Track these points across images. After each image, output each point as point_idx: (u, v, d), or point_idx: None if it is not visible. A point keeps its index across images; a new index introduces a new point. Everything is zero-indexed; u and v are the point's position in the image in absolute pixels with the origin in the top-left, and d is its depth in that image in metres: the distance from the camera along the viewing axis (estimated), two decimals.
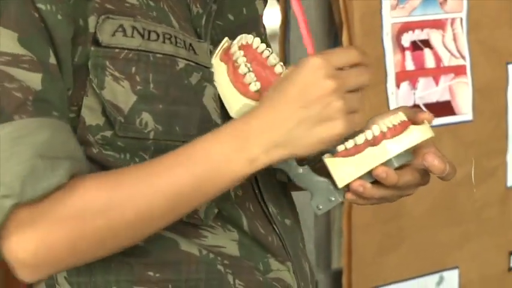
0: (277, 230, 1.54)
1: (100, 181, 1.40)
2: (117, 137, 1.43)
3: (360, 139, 1.39)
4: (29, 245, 1.36)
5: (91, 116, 1.43)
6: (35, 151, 1.35)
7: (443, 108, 2.41)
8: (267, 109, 1.39)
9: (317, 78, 1.34)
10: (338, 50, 1.44)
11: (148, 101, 1.45)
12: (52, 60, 1.40)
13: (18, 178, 1.33)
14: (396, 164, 1.39)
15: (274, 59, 1.47)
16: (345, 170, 1.42)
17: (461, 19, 2.42)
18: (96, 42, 1.41)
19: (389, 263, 2.37)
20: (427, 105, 2.38)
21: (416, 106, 2.37)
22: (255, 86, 1.42)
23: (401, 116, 1.41)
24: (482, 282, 2.52)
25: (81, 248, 1.40)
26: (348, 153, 1.40)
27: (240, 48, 1.47)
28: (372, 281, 2.38)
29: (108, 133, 1.43)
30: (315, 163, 1.50)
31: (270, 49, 1.48)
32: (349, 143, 1.40)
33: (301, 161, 1.46)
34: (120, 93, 1.43)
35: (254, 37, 1.49)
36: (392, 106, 2.35)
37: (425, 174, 1.45)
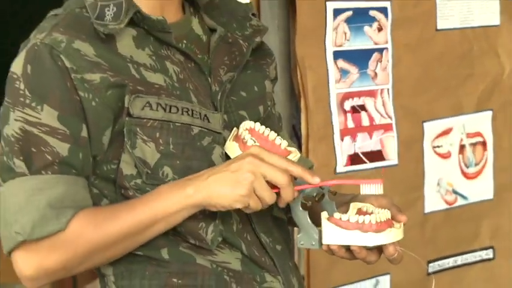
0: (269, 254, 1.70)
1: (88, 218, 1.58)
2: (145, 184, 1.61)
3: (352, 218, 1.56)
4: (30, 267, 1.58)
5: (126, 167, 1.60)
6: (48, 202, 1.53)
7: (375, 155, 2.66)
8: (208, 170, 1.59)
9: (245, 155, 1.56)
10: (275, 155, 1.56)
11: (168, 158, 1.61)
12: (83, 133, 1.57)
13: (30, 222, 1.53)
14: (371, 247, 1.58)
15: (273, 134, 1.66)
16: (332, 234, 1.58)
17: (388, 89, 2.67)
18: (129, 114, 1.58)
19: (338, 270, 2.55)
20: (364, 153, 2.63)
21: (355, 154, 2.60)
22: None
23: (387, 214, 1.58)
24: (408, 283, 2.74)
25: (70, 266, 1.59)
26: (339, 223, 1.57)
27: (245, 130, 1.65)
28: (325, 285, 2.59)
29: (139, 181, 1.61)
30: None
31: (268, 128, 1.66)
32: (344, 216, 1.56)
33: (305, 206, 1.62)
34: (148, 152, 1.60)
35: (255, 122, 1.67)
36: (338, 155, 2.57)
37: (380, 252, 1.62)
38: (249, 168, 1.52)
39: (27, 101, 1.55)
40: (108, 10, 1.59)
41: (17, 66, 1.58)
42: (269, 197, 1.53)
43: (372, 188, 1.59)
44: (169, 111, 1.61)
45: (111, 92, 1.57)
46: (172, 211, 1.56)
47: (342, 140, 2.60)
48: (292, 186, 1.54)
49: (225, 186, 1.53)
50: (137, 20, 1.62)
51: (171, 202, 1.56)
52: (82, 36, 1.57)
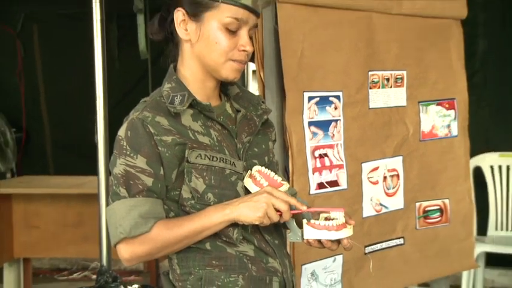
0: (271, 246, 1.66)
1: (162, 225, 1.55)
2: (196, 203, 1.58)
3: (322, 223, 1.55)
4: (127, 255, 1.57)
5: (185, 193, 1.58)
6: (140, 214, 1.53)
7: (333, 183, 2.54)
8: (239, 198, 1.56)
9: (262, 191, 1.54)
10: (280, 192, 1.55)
11: (211, 188, 1.58)
12: (161, 172, 1.55)
13: (129, 226, 1.53)
14: (333, 240, 1.56)
15: (272, 173, 1.62)
16: (309, 233, 1.57)
17: (340, 144, 2.56)
18: (187, 161, 1.56)
19: (311, 252, 2.41)
20: (326, 182, 2.50)
21: (321, 183, 2.48)
22: (266, 184, 1.59)
23: (343, 220, 1.56)
24: (353, 259, 2.61)
25: (154, 253, 1.57)
26: (314, 226, 1.56)
27: (256, 171, 1.63)
28: (304, 261, 2.47)
29: (192, 201, 1.58)
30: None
31: (269, 170, 1.63)
32: (316, 222, 1.56)
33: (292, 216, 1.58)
34: (198, 184, 1.57)
35: (262, 166, 1.65)
36: (311, 183, 2.45)
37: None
38: (264, 200, 1.52)
39: (128, 152, 1.54)
40: (177, 98, 1.59)
41: (121, 131, 1.57)
42: (276, 218, 1.53)
43: (337, 213, 1.60)
44: (212, 160, 1.58)
45: (177, 147, 1.55)
46: (215, 223, 1.55)
47: (313, 174, 2.49)
48: (289, 211, 1.54)
49: (249, 211, 1.52)
50: (193, 104, 1.61)
51: (215, 218, 1.54)
52: (160, 113, 1.56)
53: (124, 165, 1.54)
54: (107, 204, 1.59)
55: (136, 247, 1.54)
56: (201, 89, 1.65)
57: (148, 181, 1.54)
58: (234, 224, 1.57)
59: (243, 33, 1.60)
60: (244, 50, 1.60)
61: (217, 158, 1.60)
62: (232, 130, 1.67)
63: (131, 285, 2.87)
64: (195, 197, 1.57)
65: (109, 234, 1.58)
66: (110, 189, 1.58)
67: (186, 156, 1.56)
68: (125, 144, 1.55)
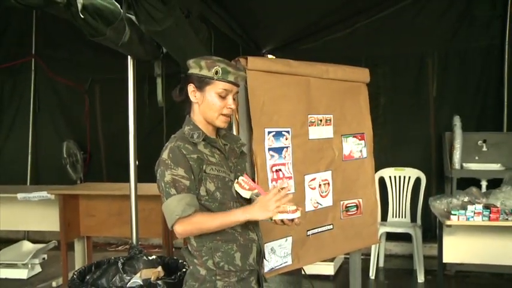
0: (252, 225, 1.65)
1: (201, 215, 1.54)
2: (209, 198, 1.58)
3: (284, 209, 1.55)
4: (180, 230, 1.53)
5: (202, 191, 1.57)
6: (186, 203, 1.51)
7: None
8: (251, 205, 1.55)
9: (265, 199, 1.53)
10: (273, 192, 1.53)
11: (218, 189, 1.58)
12: (192, 177, 1.54)
13: (180, 210, 1.51)
14: (291, 219, 1.57)
15: (252, 181, 1.64)
16: (277, 215, 1.54)
17: (290, 162, 2.40)
18: (204, 172, 1.56)
19: (270, 234, 2.29)
20: (282, 189, 2.34)
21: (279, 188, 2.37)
22: (247, 187, 1.61)
23: (295, 207, 1.57)
24: (298, 240, 2.42)
25: (195, 231, 1.54)
26: (280, 210, 1.54)
27: (241, 179, 1.64)
28: (266, 240, 2.21)
29: (206, 197, 1.58)
30: None
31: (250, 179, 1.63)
32: (281, 209, 1.54)
33: None
34: (210, 186, 1.57)
35: (244, 176, 1.65)
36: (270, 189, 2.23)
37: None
38: (269, 207, 1.55)
39: (172, 166, 1.53)
40: (194, 134, 1.61)
41: (165, 155, 1.57)
42: (272, 215, 1.56)
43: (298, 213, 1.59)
44: (219, 172, 1.59)
45: (199, 161, 1.56)
46: (238, 221, 1.56)
47: (272, 183, 2.34)
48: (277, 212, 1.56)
49: (261, 213, 1.55)
50: (205, 138, 1.63)
51: (239, 217, 1.55)
52: (186, 143, 1.58)
53: (170, 175, 1.53)
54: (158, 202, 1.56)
55: (185, 226, 1.51)
56: (206, 129, 1.65)
57: (187, 183, 1.53)
58: None
59: (229, 98, 1.64)
60: (230, 108, 1.64)
61: (221, 171, 1.60)
62: (226, 155, 1.67)
63: (151, 256, 2.73)
64: (208, 194, 1.56)
65: (166, 221, 1.53)
66: (161, 193, 1.54)
67: (203, 168, 1.56)
68: (169, 162, 1.54)
